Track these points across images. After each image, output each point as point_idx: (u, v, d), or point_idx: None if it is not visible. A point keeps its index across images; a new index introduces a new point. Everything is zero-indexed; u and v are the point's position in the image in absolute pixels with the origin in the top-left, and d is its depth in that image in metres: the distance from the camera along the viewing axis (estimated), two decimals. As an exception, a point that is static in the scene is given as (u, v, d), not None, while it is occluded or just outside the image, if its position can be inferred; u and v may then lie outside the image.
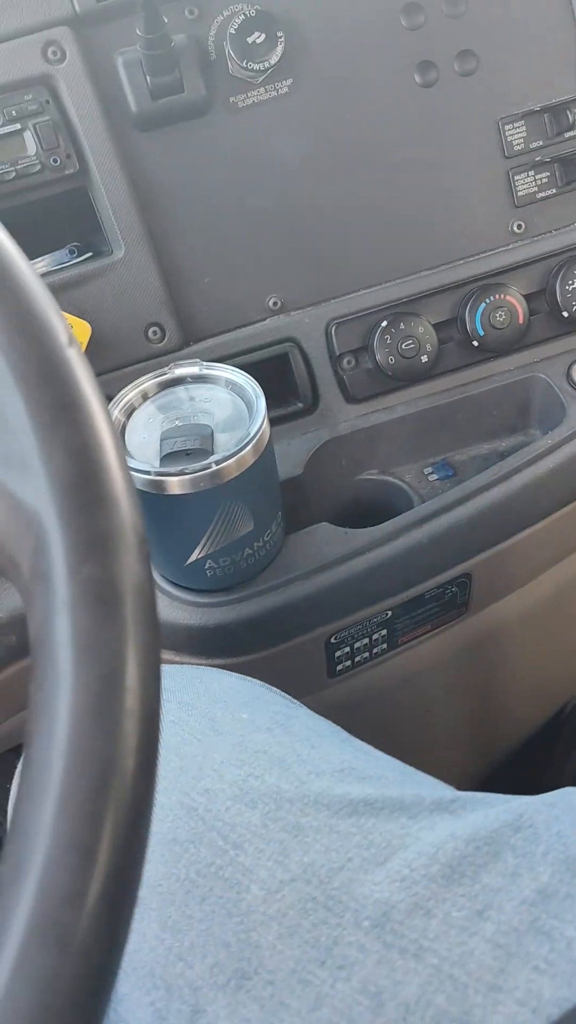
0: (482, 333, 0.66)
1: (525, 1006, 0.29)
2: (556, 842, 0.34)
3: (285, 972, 0.32)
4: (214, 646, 0.63)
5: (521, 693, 0.89)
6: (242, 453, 0.54)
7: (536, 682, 0.89)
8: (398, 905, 0.33)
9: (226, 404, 0.58)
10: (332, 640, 0.66)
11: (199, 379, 0.59)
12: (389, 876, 0.34)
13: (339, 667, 0.68)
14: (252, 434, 0.54)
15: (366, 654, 0.69)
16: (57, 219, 0.66)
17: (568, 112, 0.65)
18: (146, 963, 0.34)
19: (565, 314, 0.67)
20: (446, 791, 0.40)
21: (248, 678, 0.51)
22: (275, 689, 0.51)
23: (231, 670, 0.64)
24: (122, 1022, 0.34)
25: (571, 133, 0.66)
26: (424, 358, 0.66)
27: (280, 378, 0.67)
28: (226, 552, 0.59)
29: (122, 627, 0.24)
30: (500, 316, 0.66)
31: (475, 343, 0.67)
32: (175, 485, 0.54)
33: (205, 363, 0.58)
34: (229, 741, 0.42)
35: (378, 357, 0.65)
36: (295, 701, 0.50)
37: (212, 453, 0.54)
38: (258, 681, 0.51)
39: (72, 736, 0.23)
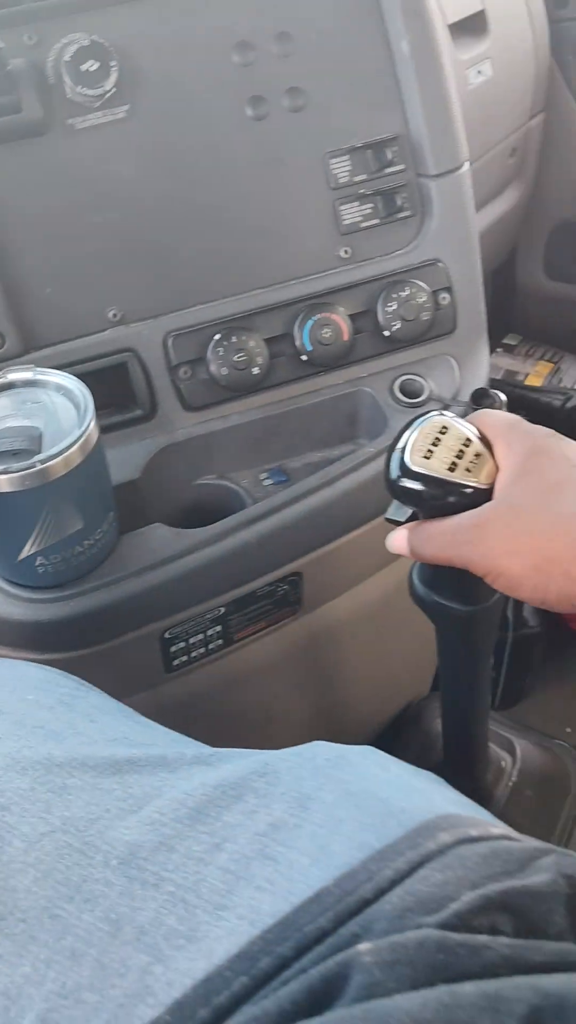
0: (310, 348, 0.71)
1: (244, 919, 0.33)
2: (294, 784, 0.39)
3: (37, 910, 0.35)
4: (48, 641, 0.65)
5: (362, 694, 0.94)
6: (68, 453, 0.57)
7: (376, 684, 0.95)
8: (145, 844, 0.36)
9: (58, 408, 0.61)
10: (166, 635, 0.69)
11: (32, 384, 0.61)
12: (141, 821, 0.37)
13: (175, 662, 0.72)
14: (79, 435, 0.57)
15: (202, 649, 0.73)
16: None
17: (388, 149, 0.72)
18: None
19: (386, 333, 0.73)
20: (209, 749, 0.44)
21: (50, 668, 0.54)
22: (75, 678, 0.54)
23: (66, 665, 0.66)
24: None
25: (391, 169, 0.72)
26: (256, 370, 0.70)
27: (120, 386, 0.70)
28: (56, 549, 0.61)
29: None
30: (326, 333, 0.71)
31: (304, 358, 0.72)
32: (2, 483, 0.56)
33: (38, 369, 0.61)
34: (9, 719, 0.45)
35: (212, 368, 0.70)
36: (92, 688, 0.53)
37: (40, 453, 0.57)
38: (60, 671, 0.54)
39: None
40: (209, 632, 0.72)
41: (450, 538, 0.47)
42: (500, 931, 0.31)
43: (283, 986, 0.30)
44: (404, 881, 0.33)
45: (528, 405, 1.46)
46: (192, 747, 0.45)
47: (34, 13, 0.63)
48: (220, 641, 0.73)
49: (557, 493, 0.44)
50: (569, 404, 1.42)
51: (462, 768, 0.81)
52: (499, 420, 0.50)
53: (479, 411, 0.52)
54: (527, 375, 1.47)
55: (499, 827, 0.37)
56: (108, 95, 0.64)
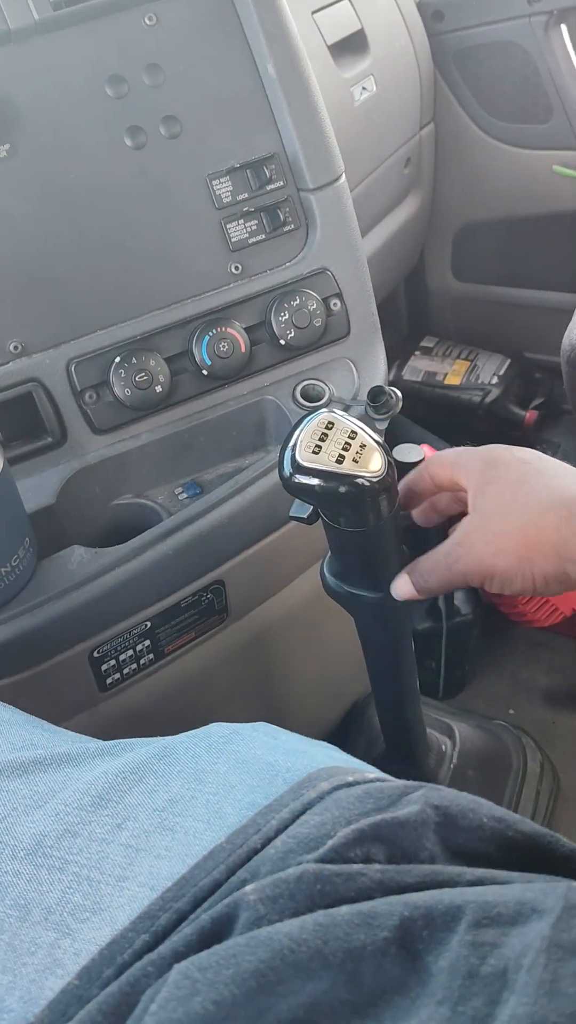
0: (209, 363, 0.74)
1: (144, 886, 0.35)
2: (190, 763, 0.41)
3: None
4: (-24, 671, 0.66)
5: (303, 696, 0.95)
6: (-26, 483, 0.58)
7: (316, 685, 0.97)
8: (50, 834, 0.38)
9: (-38, 441, 0.62)
10: (95, 654, 0.71)
11: None
12: (46, 814, 0.39)
13: (108, 680, 0.73)
14: (-19, 466, 0.59)
15: (134, 665, 0.74)
16: None
17: (265, 168, 0.75)
18: None
19: (283, 342, 0.76)
20: (113, 742, 0.46)
21: None
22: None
23: (-2, 692, 0.67)
24: None
25: (271, 186, 0.75)
26: (159, 388, 0.72)
27: (28, 416, 0.72)
28: (-27, 579, 0.62)
29: None
30: (224, 347, 0.74)
31: (204, 372, 0.74)
32: None
33: None
34: None
35: (116, 390, 0.72)
36: (6, 705, 0.54)
37: (-55, 486, 0.58)
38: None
39: None
40: (139, 647, 0.73)
41: (444, 563, 0.52)
42: (374, 860, 0.33)
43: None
44: (288, 828, 0.35)
45: (449, 404, 1.51)
46: (96, 743, 0.46)
47: None
48: (151, 655, 0.74)
49: (518, 492, 0.49)
50: (488, 400, 1.47)
51: (403, 754, 0.83)
52: (446, 457, 0.55)
53: (429, 459, 0.57)
54: (446, 375, 1.51)
55: (374, 772, 0.40)
56: (-14, 136, 0.66)
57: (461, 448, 0.55)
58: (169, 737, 0.45)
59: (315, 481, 0.53)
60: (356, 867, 0.32)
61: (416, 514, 0.61)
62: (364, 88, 1.18)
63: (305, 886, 0.31)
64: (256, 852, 0.35)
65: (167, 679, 0.78)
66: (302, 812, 0.36)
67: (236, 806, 0.38)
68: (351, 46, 1.16)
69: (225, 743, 0.43)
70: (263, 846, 0.35)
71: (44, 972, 0.34)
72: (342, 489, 0.53)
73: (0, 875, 0.37)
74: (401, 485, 0.58)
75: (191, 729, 0.84)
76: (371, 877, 0.32)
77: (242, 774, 0.40)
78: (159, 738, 0.45)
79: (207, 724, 0.86)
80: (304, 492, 0.54)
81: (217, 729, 0.45)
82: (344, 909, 0.30)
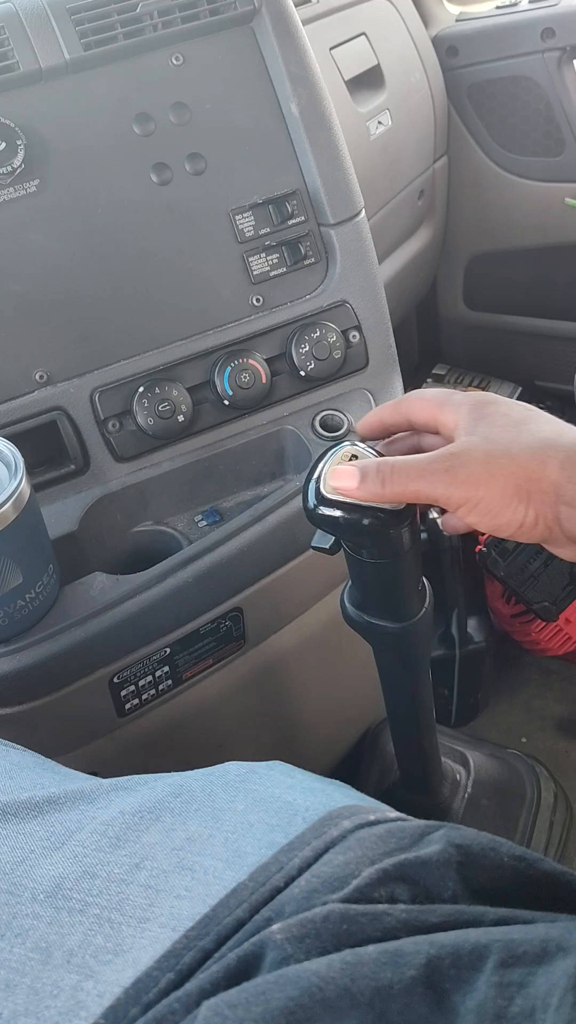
0: (231, 393, 0.75)
1: (166, 927, 0.35)
2: (207, 801, 0.41)
3: None
4: (-2, 696, 0.67)
5: (317, 723, 0.96)
6: (2, 511, 0.59)
7: (330, 712, 0.97)
8: (69, 876, 0.39)
9: (-11, 469, 0.63)
10: (115, 680, 0.71)
11: (-37, 448, 0.64)
12: (64, 856, 0.40)
13: (127, 705, 0.74)
14: (11, 492, 0.60)
15: (152, 691, 0.75)
16: None
17: (287, 203, 0.76)
18: None
19: (303, 373, 0.77)
20: (123, 778, 0.46)
21: None
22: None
23: (18, 718, 0.68)
24: None
25: (292, 221, 0.77)
26: (181, 418, 0.74)
27: (52, 443, 0.73)
28: (-1, 605, 0.63)
29: None
30: (245, 377, 0.75)
31: (226, 402, 0.75)
32: None
33: (-34, 433, 0.64)
34: None
35: (139, 419, 0.73)
36: (13, 746, 0.54)
37: (-27, 514, 0.59)
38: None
39: None
40: (157, 673, 0.74)
41: (421, 470, 0.45)
42: (399, 900, 0.33)
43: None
44: (311, 867, 0.35)
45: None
46: (109, 781, 0.47)
47: None
48: (169, 681, 0.75)
49: (522, 426, 0.44)
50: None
51: (418, 784, 0.83)
52: (430, 394, 0.50)
53: (410, 394, 0.52)
54: (457, 402, 1.52)
55: (395, 812, 0.40)
56: (18, 171, 0.68)
57: (447, 391, 0.50)
58: (183, 773, 0.45)
59: (338, 513, 0.54)
60: (382, 907, 0.32)
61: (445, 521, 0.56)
62: (380, 122, 1.20)
63: (332, 926, 0.32)
64: (279, 890, 0.35)
65: (184, 704, 0.79)
66: (324, 851, 0.36)
67: (255, 845, 0.38)
68: (367, 81, 1.19)
69: (241, 781, 0.43)
70: (286, 884, 0.35)
71: (67, 1015, 0.34)
72: (365, 521, 0.53)
73: (21, 918, 0.37)
74: (370, 416, 0.54)
75: (205, 753, 0.85)
76: (396, 917, 0.32)
77: (260, 812, 0.40)
78: (173, 774, 0.45)
79: (221, 748, 0.87)
80: (328, 524, 0.55)
81: (233, 767, 0.45)
82: (371, 948, 0.30)
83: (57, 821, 0.42)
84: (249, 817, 0.40)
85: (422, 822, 0.39)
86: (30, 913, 0.38)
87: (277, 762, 0.46)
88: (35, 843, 0.41)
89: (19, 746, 0.54)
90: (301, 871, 0.35)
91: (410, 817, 0.40)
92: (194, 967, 0.33)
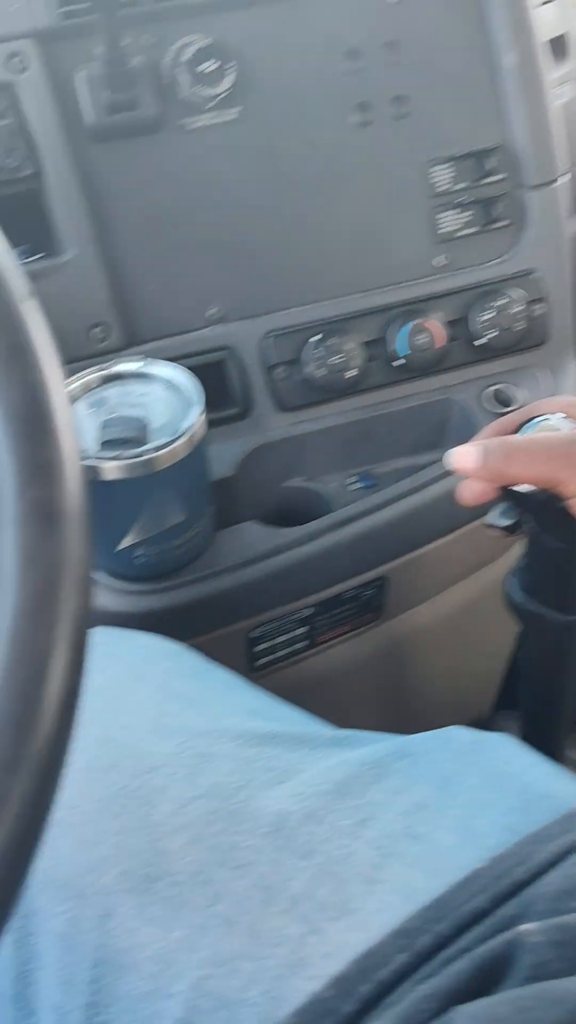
0: (408, 353, 0.71)
1: (397, 894, 0.33)
2: (432, 767, 0.39)
3: (188, 874, 0.35)
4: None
5: (434, 704, 0.93)
6: (175, 445, 0.57)
7: (449, 695, 0.94)
8: (292, 815, 0.36)
9: (164, 401, 0.61)
10: (253, 634, 0.69)
11: (140, 376, 0.62)
12: (287, 793, 0.37)
13: (259, 662, 0.72)
14: (186, 427, 0.58)
15: (286, 651, 0.72)
16: (7, 220, 0.69)
17: (489, 159, 0.72)
18: (60, 877, 0.36)
19: (479, 342, 0.73)
20: (345, 732, 0.44)
21: (169, 639, 0.55)
22: (195, 650, 0.54)
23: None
24: (32, 936, 0.36)
25: (491, 178, 0.73)
26: (351, 373, 0.70)
27: (216, 384, 0.70)
28: (156, 542, 0.62)
29: (61, 542, 0.28)
30: (421, 340, 0.71)
31: (397, 363, 0.72)
32: (109, 471, 0.57)
33: (148, 359, 0.62)
34: (150, 685, 0.46)
35: (308, 369, 0.70)
36: (218, 663, 0.53)
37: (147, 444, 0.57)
38: (186, 645, 0.55)
39: (13, 633, 0.26)
40: (294, 633, 0.72)
41: (544, 453, 0.44)
42: None
43: (444, 965, 0.30)
44: (559, 865, 0.32)
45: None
46: (327, 729, 0.45)
47: (154, 14, 0.64)
48: (305, 643, 0.73)
49: None
50: None
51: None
52: (557, 446, 0.47)
53: (527, 445, 0.48)
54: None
55: None
56: (223, 96, 0.65)
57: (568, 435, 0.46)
58: (402, 736, 0.43)
59: (536, 490, 0.50)
60: None
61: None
62: (561, 92, 1.14)
63: None
64: (521, 885, 0.32)
65: (308, 669, 0.77)
66: (572, 850, 0.34)
67: (492, 826, 0.36)
68: (555, 49, 1.12)
69: (471, 752, 0.41)
70: (530, 880, 0.32)
71: (291, 969, 0.32)
72: (561, 503, 0.50)
73: (241, 849, 0.35)
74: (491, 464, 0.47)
75: (326, 720, 0.83)
76: None
77: (496, 791, 0.37)
78: (390, 735, 0.43)
79: (343, 716, 0.85)
80: (521, 500, 0.52)
81: (458, 733, 0.43)
82: None
83: (276, 756, 0.40)
84: (483, 794, 0.37)
85: None
86: (251, 846, 0.36)
87: (505, 735, 0.44)
88: (255, 772, 0.39)
89: (222, 664, 0.52)
90: (547, 868, 0.33)
91: None
92: (430, 952, 0.31)
